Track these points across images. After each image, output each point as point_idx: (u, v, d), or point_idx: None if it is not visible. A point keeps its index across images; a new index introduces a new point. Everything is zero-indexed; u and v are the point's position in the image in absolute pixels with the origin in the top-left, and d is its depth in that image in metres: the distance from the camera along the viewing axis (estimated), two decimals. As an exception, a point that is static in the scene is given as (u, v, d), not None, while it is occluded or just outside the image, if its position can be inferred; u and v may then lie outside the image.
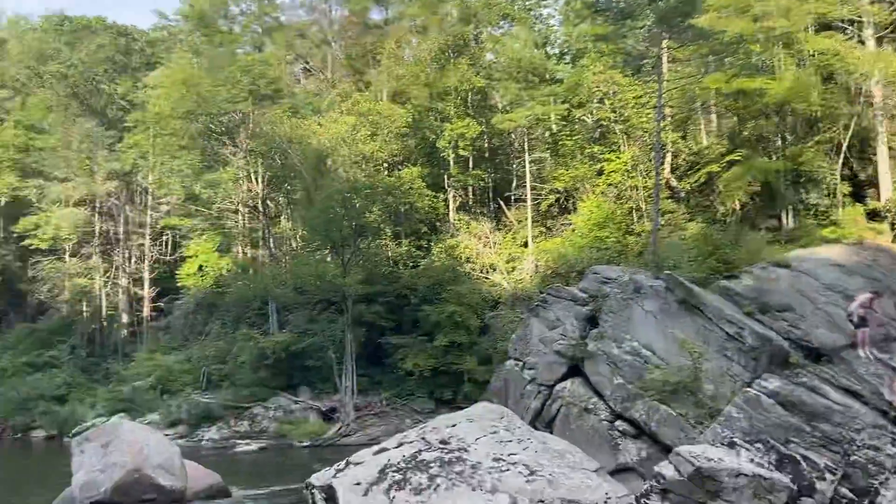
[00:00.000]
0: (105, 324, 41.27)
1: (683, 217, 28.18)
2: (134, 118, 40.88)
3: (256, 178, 37.92)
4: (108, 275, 41.27)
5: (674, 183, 29.93)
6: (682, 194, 29.74)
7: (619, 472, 14.01)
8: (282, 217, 40.45)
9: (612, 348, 15.50)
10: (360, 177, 32.54)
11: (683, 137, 31.30)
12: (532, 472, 12.46)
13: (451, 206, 37.06)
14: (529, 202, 34.34)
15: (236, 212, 39.95)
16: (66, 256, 41.19)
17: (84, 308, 41.38)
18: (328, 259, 32.15)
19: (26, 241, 40.25)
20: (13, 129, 44.08)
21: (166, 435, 21.12)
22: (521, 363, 17.74)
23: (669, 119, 30.19)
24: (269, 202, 38.71)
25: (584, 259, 26.99)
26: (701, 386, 14.07)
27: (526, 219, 34.48)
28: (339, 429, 26.54)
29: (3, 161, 43.16)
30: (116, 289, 41.45)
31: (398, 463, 12.40)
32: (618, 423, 14.77)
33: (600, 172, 32.45)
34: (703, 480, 11.04)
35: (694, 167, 29.61)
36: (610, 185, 31.56)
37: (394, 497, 11.65)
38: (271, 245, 37.74)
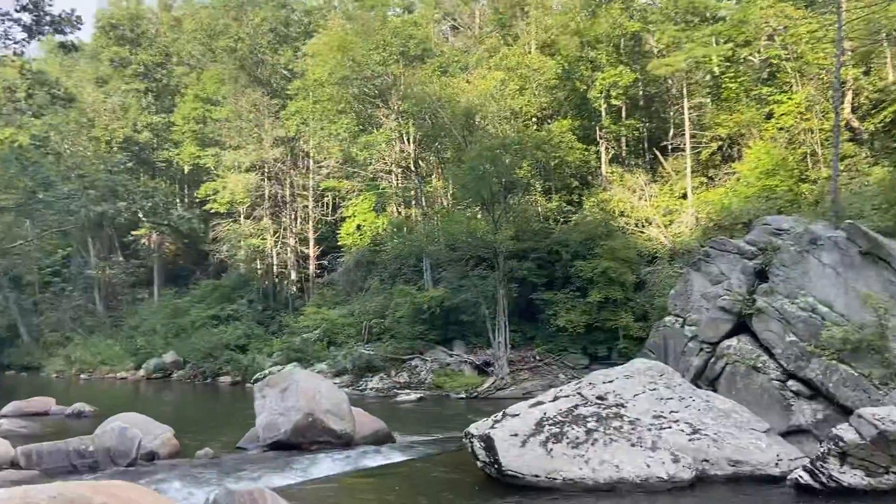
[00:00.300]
0: (276, 280, 44.67)
1: (866, 161, 25.48)
2: (295, 86, 43.16)
3: (408, 139, 38.88)
4: (277, 235, 44.47)
5: (855, 124, 27.06)
6: (865, 136, 26.81)
7: (790, 433, 13.19)
8: (433, 176, 41.30)
9: (785, 304, 14.44)
10: (510, 132, 32.33)
11: (866, 73, 28.11)
12: (695, 431, 12.05)
13: (603, 159, 35.97)
14: (688, 151, 32.51)
15: (390, 172, 41.30)
16: (241, 219, 44.89)
17: (258, 266, 45.05)
18: (479, 216, 32.47)
19: (207, 206, 44.30)
20: (192, 102, 48.27)
21: (334, 383, 22.55)
22: (681, 319, 17.04)
23: (850, 53, 27.15)
24: (420, 162, 39.61)
25: (750, 210, 25.27)
26: (887, 344, 12.84)
27: (684, 169, 32.74)
28: (494, 382, 27.04)
29: (185, 132, 47.54)
30: (285, 248, 44.55)
31: (555, 416, 12.44)
32: (790, 382, 13.83)
33: (769, 116, 29.96)
34: (888, 444, 10.13)
35: (878, 106, 26.57)
36: (780, 129, 29.10)
37: (551, 449, 11.73)
38: (423, 204, 38.72)
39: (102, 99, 50.62)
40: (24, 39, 24.14)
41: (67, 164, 24.65)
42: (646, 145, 36.91)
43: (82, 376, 40.58)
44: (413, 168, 38.86)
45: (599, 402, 12.87)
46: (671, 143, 34.78)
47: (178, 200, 47.66)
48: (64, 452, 14.36)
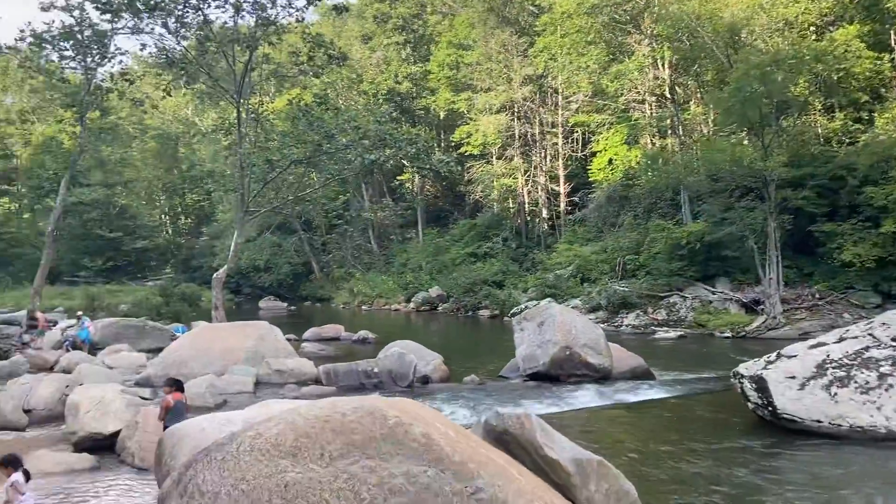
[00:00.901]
0: (528, 218, 45.66)
1: None
2: (543, 21, 42.73)
3: (663, 64, 36.62)
4: (527, 174, 45.21)
5: None
6: None
7: None
8: (691, 102, 38.56)
9: None
10: (782, 46, 28.78)
11: None
12: None
13: (901, 67, 30.51)
14: None
15: (643, 102, 39.41)
16: (493, 160, 46.35)
17: (510, 205, 46.40)
18: (745, 142, 29.73)
19: (461, 149, 46.41)
20: (445, 49, 50.37)
21: (589, 319, 22.65)
22: None
23: None
24: (677, 88, 37.18)
25: None
26: None
27: None
28: (764, 321, 25.05)
29: (440, 79, 49.92)
30: (536, 186, 45.17)
31: (840, 359, 11.25)
32: None
33: None
34: None
35: None
36: None
37: (835, 394, 10.67)
38: (680, 133, 36.44)
39: (368, 55, 55.06)
40: (303, 7, 27.03)
41: (343, 117, 27.33)
42: (960, 45, 30.45)
43: (363, 307, 45.75)
44: (668, 95, 36.62)
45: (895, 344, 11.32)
46: None
47: (436, 145, 50.54)
48: (355, 372, 16.48)
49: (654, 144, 39.67)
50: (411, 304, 42.74)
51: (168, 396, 9.21)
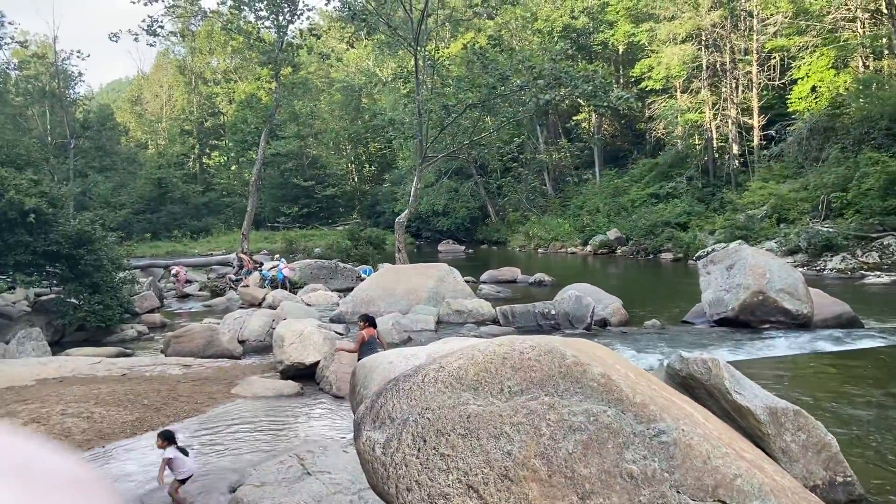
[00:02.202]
0: (717, 155, 42.62)
1: None
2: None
3: (881, -27, 31.98)
4: (716, 107, 41.97)
5: None
6: None
7: None
8: (916, 15, 33.39)
9: None
10: None
11: None
12: None
13: None
14: None
15: (853, 20, 34.78)
16: (678, 94, 43.51)
17: (696, 141, 43.51)
18: None
19: (642, 84, 44.04)
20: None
21: (786, 262, 20.89)
22: None
23: None
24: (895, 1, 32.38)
25: None
26: None
27: None
28: None
29: (619, 11, 47.39)
30: (726, 120, 41.89)
31: None
32: None
33: None
34: None
35: None
36: None
37: None
38: (902, 51, 31.83)
39: (543, -11, 53.53)
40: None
41: (517, 58, 26.98)
42: None
43: (539, 250, 45.77)
44: (885, 10, 31.96)
45: None
46: None
47: (614, 82, 48.40)
48: (532, 314, 16.62)
49: (867, 68, 35.01)
50: (588, 247, 42.04)
51: (362, 331, 9.88)
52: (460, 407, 4.99)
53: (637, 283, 28.71)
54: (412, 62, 28.64)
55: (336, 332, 14.64)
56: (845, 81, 34.55)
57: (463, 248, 50.77)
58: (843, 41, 35.14)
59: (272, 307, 18.91)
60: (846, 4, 34.22)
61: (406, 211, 29.46)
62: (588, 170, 53.07)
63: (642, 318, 16.72)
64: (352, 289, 21.26)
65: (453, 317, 17.40)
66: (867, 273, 24.81)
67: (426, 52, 28.79)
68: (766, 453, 6.04)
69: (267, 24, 29.28)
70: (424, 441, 4.83)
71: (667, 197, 41.05)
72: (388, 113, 55.49)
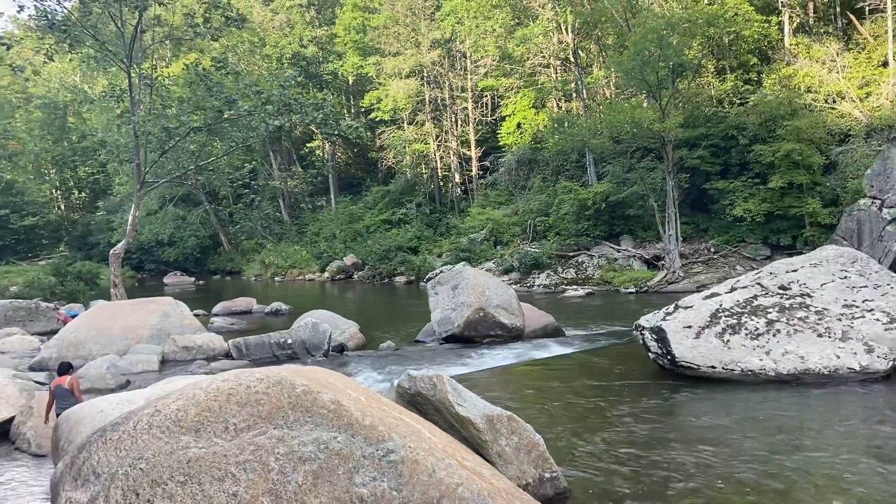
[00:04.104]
0: (441, 183, 45.75)
1: None
2: (449, -16, 42.34)
3: (566, 29, 37.13)
4: (439, 139, 45.14)
5: None
6: None
7: None
8: (594, 66, 39.40)
9: None
10: (677, 10, 29.71)
11: None
12: (893, 321, 11.04)
13: (786, 30, 32.15)
14: (890, 12, 28.14)
15: (548, 66, 39.95)
16: (405, 125, 45.98)
17: (423, 170, 46.29)
18: (644, 104, 30.73)
19: (372, 115, 45.75)
20: (351, 12, 49.14)
21: (502, 280, 23.08)
22: (878, 202, 15.39)
23: None
24: (580, 52, 37.84)
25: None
26: None
27: (885, 33, 28.51)
28: (665, 276, 26.29)
29: (347, 43, 48.78)
30: (448, 151, 45.22)
31: (731, 308, 11.94)
32: None
33: None
34: None
35: None
36: None
37: (728, 340, 11.33)
38: (584, 96, 37.22)
39: (270, 17, 53.01)
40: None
41: (245, 82, 26.31)
42: (837, 9, 32.36)
43: (276, 278, 44.84)
44: (572, 59, 37.25)
45: (782, 292, 12.11)
46: (868, 4, 30.19)
47: (345, 111, 49.56)
48: (267, 345, 16.16)
49: (559, 108, 40.39)
50: (326, 274, 42.26)
51: (51, 384, 8.84)
52: (179, 452, 4.65)
53: (373, 306, 29.50)
54: (126, 80, 26.40)
55: (36, 382, 12.79)
56: (543, 119, 39.41)
57: (193, 279, 47.75)
58: (541, 84, 40.12)
59: (-49, 359, 15.90)
60: (542, 53, 39.18)
61: (123, 241, 26.86)
62: (323, 196, 53.45)
63: (379, 341, 17.19)
64: (56, 332, 18.74)
65: (181, 354, 16.23)
66: (567, 287, 28.41)
67: (142, 71, 26.79)
68: (485, 458, 6.56)
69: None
70: (137, 495, 4.40)
71: (399, 223, 42.96)
72: (100, 134, 50.39)
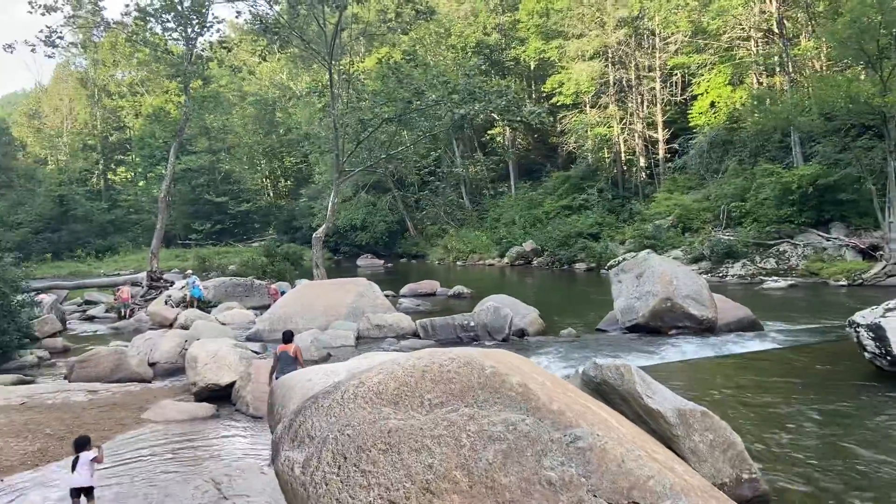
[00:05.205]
0: (625, 168, 44.32)
1: None
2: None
3: (769, -3, 34.21)
4: (623, 122, 43.70)
5: None
6: None
7: None
8: (801, 37, 35.89)
9: None
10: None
11: None
12: None
13: None
14: None
15: (748, 39, 37.06)
16: (587, 108, 45.05)
17: (606, 155, 45.13)
18: (862, 77, 27.48)
19: (553, 100, 45.34)
20: (535, -5, 48.92)
21: (691, 269, 21.90)
22: None
23: None
24: (786, 22, 34.64)
25: None
26: None
27: None
28: (884, 268, 23.44)
29: (530, 28, 48.67)
30: (632, 134, 43.65)
31: (972, 306, 10.38)
32: None
33: None
34: None
35: None
36: None
37: (967, 344, 9.89)
38: (790, 70, 34.06)
39: (456, 7, 54.32)
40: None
41: (433, 73, 27.29)
42: None
43: (458, 263, 46.17)
44: (776, 30, 34.22)
45: None
46: None
47: (526, 97, 49.59)
48: (451, 326, 16.73)
49: (760, 84, 37.36)
50: (505, 259, 42.73)
51: (277, 349, 9.75)
52: (381, 422, 4.98)
53: (553, 292, 29.39)
54: (327, 76, 28.42)
55: (253, 352, 14.28)
56: (741, 97, 36.68)
57: (382, 262, 50.58)
58: (739, 59, 37.34)
59: (184, 327, 18.23)
60: (740, 24, 36.42)
61: (324, 226, 29.10)
62: (503, 183, 54.02)
63: (559, 328, 17.11)
64: (269, 306, 20.77)
65: (373, 331, 17.29)
66: (765, 278, 26.33)
67: (341, 67, 28.69)
68: (677, 454, 6.30)
69: (175, 35, 28.44)
70: (345, 458, 4.79)
71: (579, 209, 42.30)
72: (304, 127, 54.81)
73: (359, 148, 29.88)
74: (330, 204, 29.08)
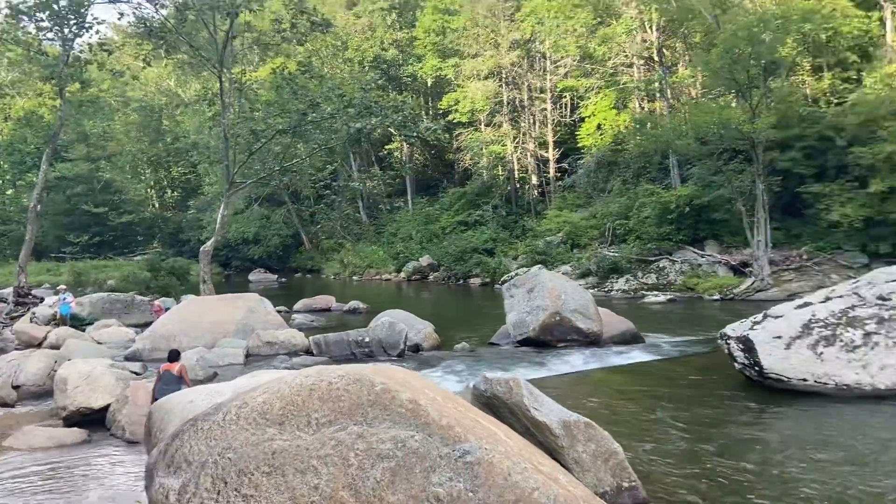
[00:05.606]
0: (518, 185, 45.50)
1: None
2: (530, -17, 42.10)
3: (651, 27, 36.26)
4: (516, 140, 44.92)
5: None
6: None
7: None
8: (679, 65, 38.30)
9: None
10: (770, 6, 28.51)
11: None
12: None
13: (888, 25, 30.30)
14: None
15: (631, 65, 39.13)
16: (482, 127, 45.99)
17: (500, 172, 46.17)
18: (733, 104, 29.61)
19: (450, 117, 45.97)
20: (431, 14, 49.58)
21: (579, 284, 22.71)
22: None
23: None
24: (665, 51, 36.88)
25: None
26: None
27: None
28: (752, 283, 25.24)
29: (427, 45, 49.24)
30: (525, 153, 44.93)
31: (825, 318, 11.34)
32: None
33: None
34: None
35: None
36: None
37: (821, 353, 10.78)
38: (669, 96, 36.23)
39: (353, 21, 54.16)
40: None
41: (328, 85, 27.02)
42: (949, 1, 30.26)
43: (354, 277, 45.73)
44: (657, 58, 36.35)
45: (881, 303, 11.40)
46: None
47: (423, 113, 50.05)
48: (345, 342, 16.48)
49: (642, 108, 39.48)
50: (402, 274, 42.75)
51: (161, 368, 9.29)
52: (265, 443, 4.80)
53: (448, 307, 29.64)
54: (217, 84, 27.52)
55: (132, 372, 13.46)
56: (625, 120, 38.60)
57: (276, 277, 49.30)
58: (623, 84, 39.33)
59: (55, 347, 16.96)
60: (624, 52, 38.41)
61: (212, 239, 28.03)
62: (401, 198, 54.10)
63: (454, 342, 17.24)
64: (150, 324, 19.72)
65: (264, 349, 16.77)
66: (647, 293, 27.72)
67: (233, 75, 27.86)
68: (561, 464, 6.46)
69: (50, 35, 26.66)
70: (225, 483, 4.57)
71: (474, 224, 43.00)
72: (192, 136, 52.72)
73: (251, 159, 29.07)
74: (220, 216, 28.08)
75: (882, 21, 30.21)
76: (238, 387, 7.89)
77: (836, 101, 29.17)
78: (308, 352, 16.65)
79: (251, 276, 49.56)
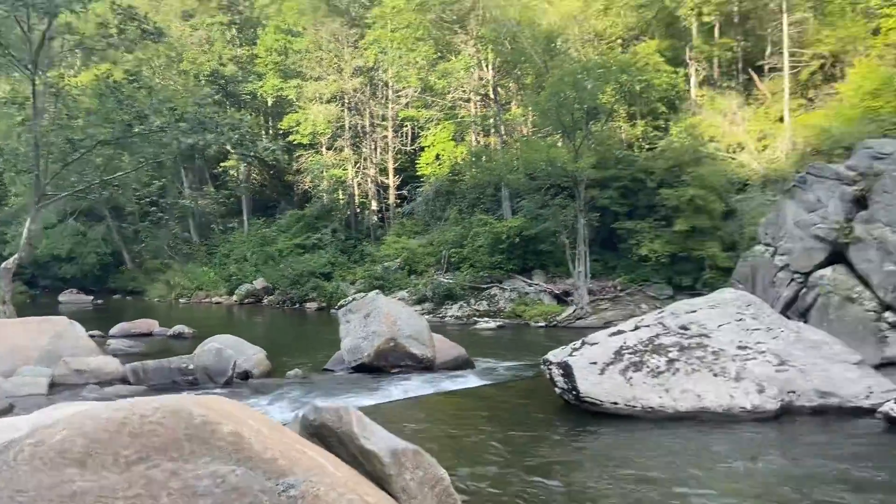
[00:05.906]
0: (358, 210, 45.54)
1: None
2: (374, 14, 42.70)
3: (487, 66, 38.06)
4: (357, 165, 45.04)
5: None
6: None
7: (884, 366, 12.71)
8: (512, 103, 40.51)
9: (885, 232, 13.62)
10: (593, 56, 31.11)
11: None
12: (782, 362, 11.75)
13: (692, 82, 34.23)
14: (787, 71, 30.47)
15: (469, 100, 40.76)
16: (323, 150, 45.64)
17: (340, 196, 45.96)
18: (559, 144, 31.79)
19: (290, 138, 45.17)
20: (273, 34, 48.62)
21: (415, 310, 23.09)
22: (771, 249, 16.40)
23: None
24: (499, 89, 38.83)
25: (852, 133, 23.61)
26: None
27: (782, 90, 30.78)
28: (573, 311, 27.02)
29: (268, 64, 48.17)
30: (366, 178, 45.15)
31: (635, 345, 12.37)
32: (887, 314, 13.25)
33: (876, 32, 27.61)
34: None
35: None
36: (888, 45, 26.77)
37: (630, 378, 11.73)
38: (503, 132, 38.14)
39: (189, 33, 51.73)
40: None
41: (159, 97, 25.56)
42: (740, 66, 34.77)
43: (181, 300, 43.16)
44: (492, 96, 38.17)
45: (682, 331, 12.68)
46: (768, 63, 32.64)
47: (263, 132, 48.77)
48: (167, 370, 15.49)
49: (478, 142, 41.19)
50: (234, 297, 41.01)
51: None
52: (63, 486, 4.38)
53: (283, 332, 28.84)
54: (29, 87, 25.07)
55: None
56: (462, 152, 40.07)
57: (91, 298, 45.22)
58: (461, 118, 40.87)
59: None
60: (462, 87, 39.96)
61: (15, 255, 25.25)
62: (235, 218, 51.99)
63: (287, 368, 16.79)
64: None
65: (72, 377, 15.32)
66: (479, 319, 28.72)
67: (49, 78, 25.53)
68: (389, 493, 6.47)
69: None
70: (12, 533, 4.11)
71: (313, 248, 42.31)
72: (-3, 141, 47.32)
73: (66, 170, 26.67)
74: (25, 230, 25.42)
75: (687, 77, 34.04)
76: (36, 421, 7.14)
77: (647, 146, 32.31)
78: (124, 380, 15.45)
79: (62, 297, 45.12)
